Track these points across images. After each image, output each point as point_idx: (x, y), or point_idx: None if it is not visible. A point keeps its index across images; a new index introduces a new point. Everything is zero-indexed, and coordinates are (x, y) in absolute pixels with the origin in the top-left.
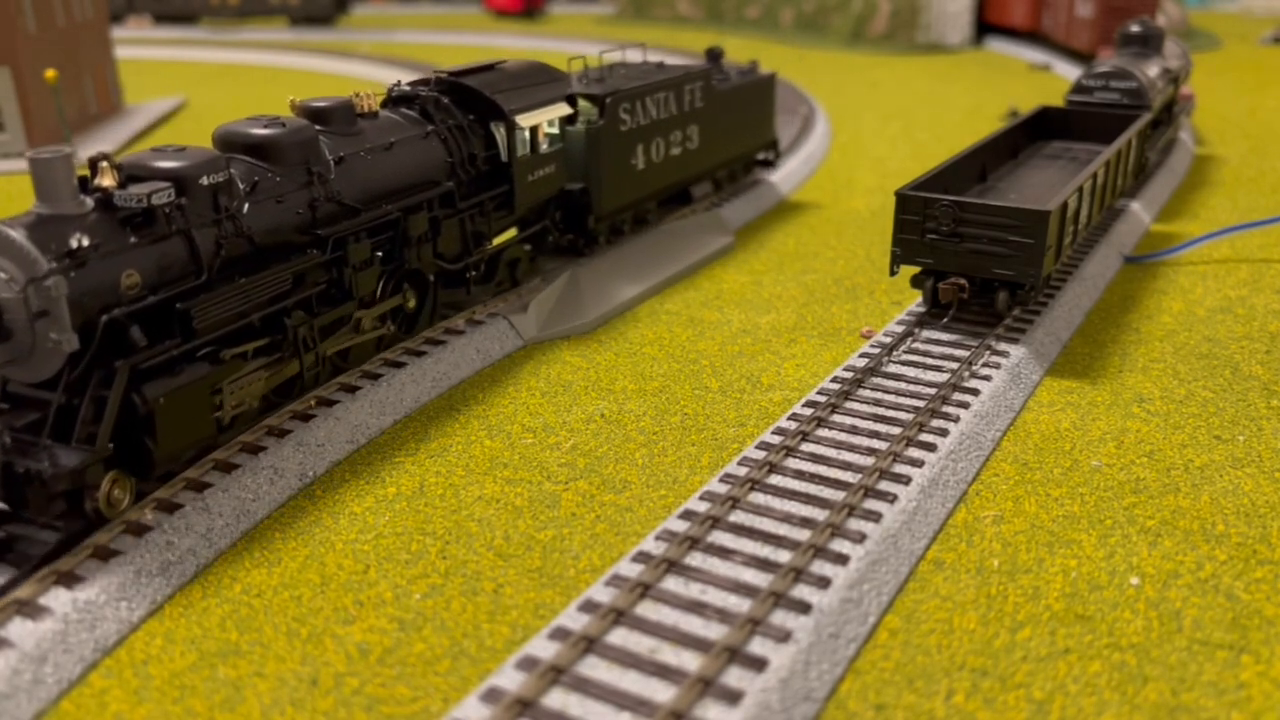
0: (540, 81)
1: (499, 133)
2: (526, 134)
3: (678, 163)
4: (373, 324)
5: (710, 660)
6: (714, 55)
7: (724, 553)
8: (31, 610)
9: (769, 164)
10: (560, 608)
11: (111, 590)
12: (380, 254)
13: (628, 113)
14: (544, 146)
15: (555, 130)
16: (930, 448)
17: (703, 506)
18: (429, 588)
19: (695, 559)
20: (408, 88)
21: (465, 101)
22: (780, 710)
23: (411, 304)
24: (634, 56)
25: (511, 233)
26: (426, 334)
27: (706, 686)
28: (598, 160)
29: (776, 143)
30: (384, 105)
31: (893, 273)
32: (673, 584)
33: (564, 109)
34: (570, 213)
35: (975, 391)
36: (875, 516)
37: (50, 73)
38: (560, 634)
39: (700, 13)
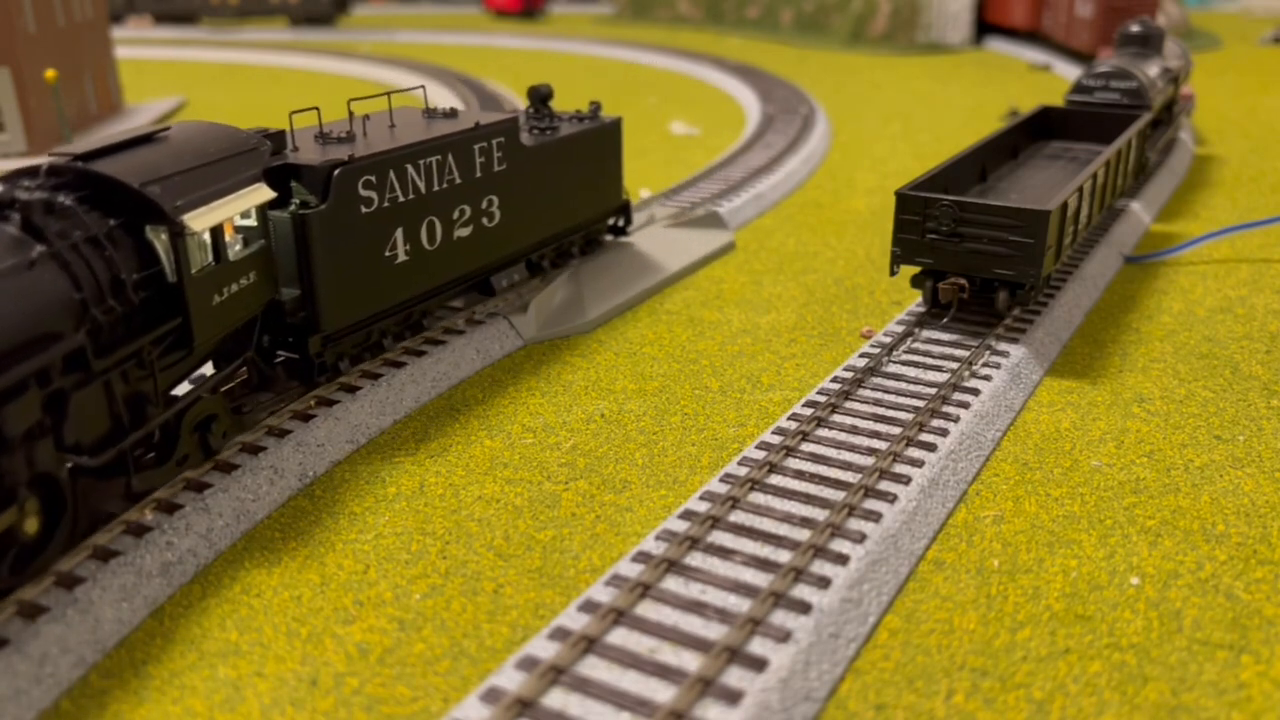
0: (223, 155)
1: (159, 241)
2: (205, 238)
3: (467, 248)
4: None
5: (710, 660)
6: (540, 96)
7: (724, 553)
8: (31, 610)
9: (619, 232)
10: (560, 608)
11: (111, 590)
12: None
13: (373, 187)
14: (236, 249)
15: (252, 222)
16: (930, 448)
17: (703, 506)
18: (429, 588)
19: (695, 559)
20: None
21: (102, 198)
22: (780, 710)
23: (32, 525)
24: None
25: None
26: (426, 334)
27: (706, 686)
28: (320, 257)
29: (628, 205)
30: None
31: (893, 273)
32: (673, 584)
33: (262, 193)
34: (287, 332)
35: (975, 391)
36: (875, 516)
37: (50, 73)
38: (560, 634)
39: (700, 13)
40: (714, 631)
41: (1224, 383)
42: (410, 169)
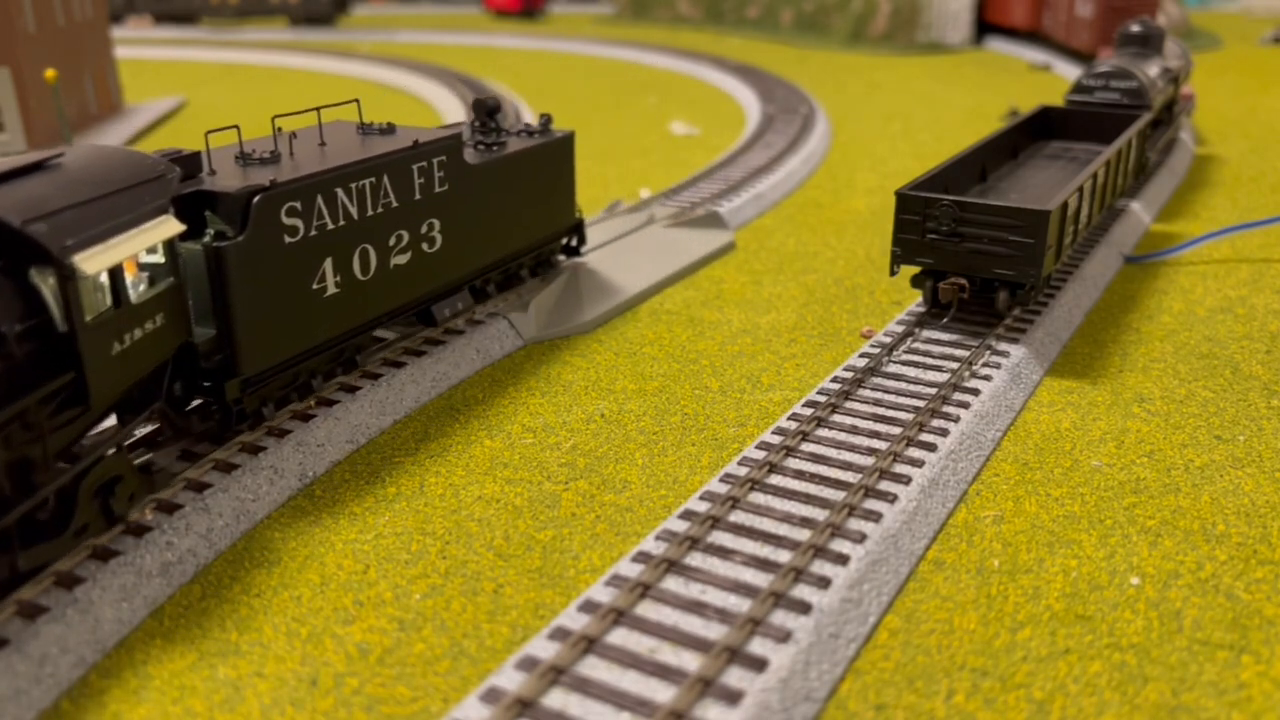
0: (124, 184)
1: (46, 286)
2: (102, 279)
3: (405, 276)
4: None
5: (710, 660)
6: (487, 109)
7: (724, 553)
8: (31, 610)
9: (573, 252)
10: (560, 608)
11: (111, 590)
12: None
13: (298, 215)
14: (140, 290)
15: (159, 258)
16: (930, 448)
17: (703, 506)
18: (429, 588)
19: (695, 559)
20: None
21: None
22: (780, 710)
23: None
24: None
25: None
26: (426, 334)
27: (706, 686)
28: (238, 294)
29: (581, 224)
30: None
31: (893, 273)
32: (673, 584)
33: (169, 226)
34: (202, 377)
35: (975, 391)
36: (875, 516)
37: (50, 73)
38: (560, 634)
39: (700, 13)
40: (714, 631)
41: (1224, 383)
42: (341, 193)
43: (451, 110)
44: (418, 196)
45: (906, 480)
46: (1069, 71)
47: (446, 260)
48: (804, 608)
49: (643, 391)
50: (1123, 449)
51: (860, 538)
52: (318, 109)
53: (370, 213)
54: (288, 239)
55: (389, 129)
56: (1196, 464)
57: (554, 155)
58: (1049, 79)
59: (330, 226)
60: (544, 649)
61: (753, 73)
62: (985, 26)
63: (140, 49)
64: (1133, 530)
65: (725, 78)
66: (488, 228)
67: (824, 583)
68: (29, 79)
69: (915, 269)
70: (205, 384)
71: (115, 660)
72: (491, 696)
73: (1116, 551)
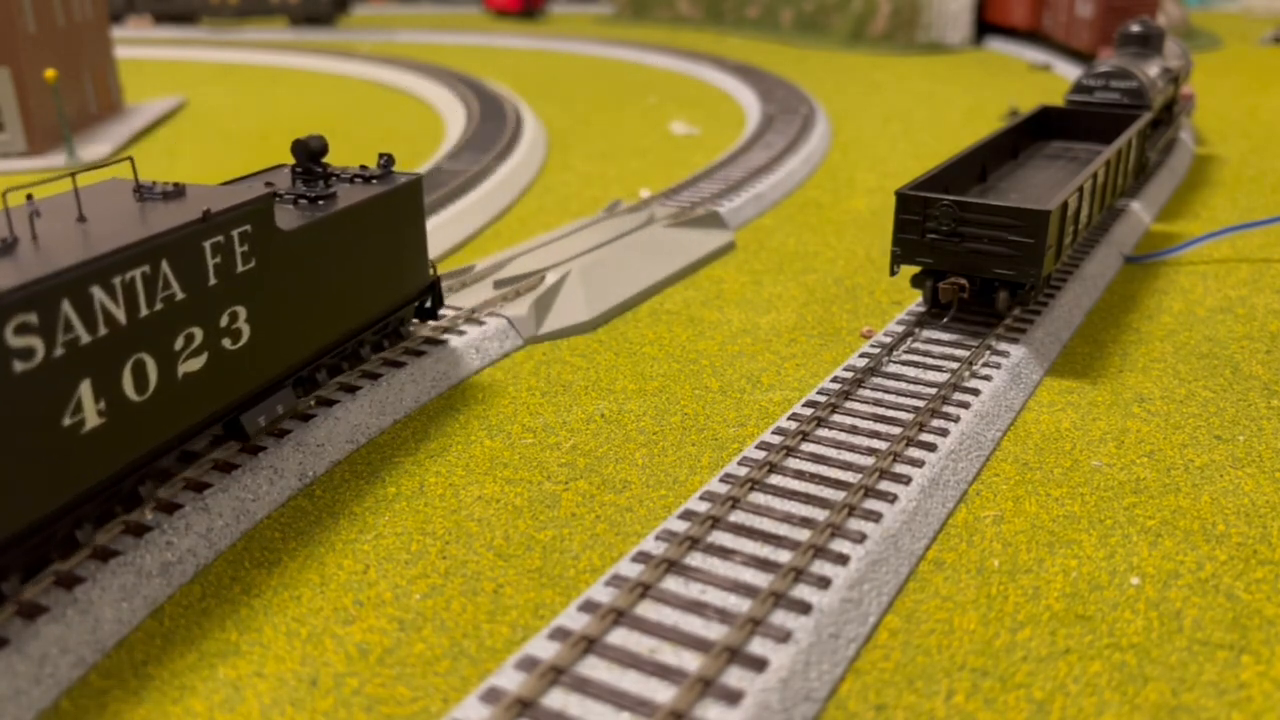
0: None
1: None
2: None
3: (200, 385)
4: None
5: (710, 660)
6: (309, 151)
7: (724, 553)
8: (31, 610)
9: (429, 315)
10: (560, 608)
11: (111, 590)
12: None
13: (34, 331)
14: None
15: None
16: (930, 448)
17: (703, 506)
18: (429, 588)
19: (695, 559)
20: None
21: None
22: (780, 710)
23: None
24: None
25: None
26: (426, 334)
27: (706, 686)
28: None
29: (437, 283)
30: None
31: (893, 273)
32: (673, 584)
33: None
34: None
35: (975, 391)
36: (875, 516)
37: (50, 73)
38: (560, 634)
39: (700, 13)
40: (714, 631)
41: (1224, 383)
42: (100, 293)
43: (451, 110)
44: (213, 282)
45: (906, 480)
46: (1069, 71)
47: (258, 356)
48: (804, 608)
49: (643, 391)
50: (1123, 449)
51: (860, 538)
52: (73, 173)
53: (145, 312)
54: (18, 365)
55: (176, 191)
56: (1196, 464)
57: (398, 205)
58: (1049, 79)
59: (85, 340)
60: (544, 649)
61: (753, 73)
62: (985, 26)
63: (140, 49)
64: (1133, 530)
65: (725, 78)
66: (314, 307)
67: (824, 583)
68: (29, 79)
69: (915, 269)
70: None
71: (115, 660)
72: (491, 696)
73: (1116, 551)
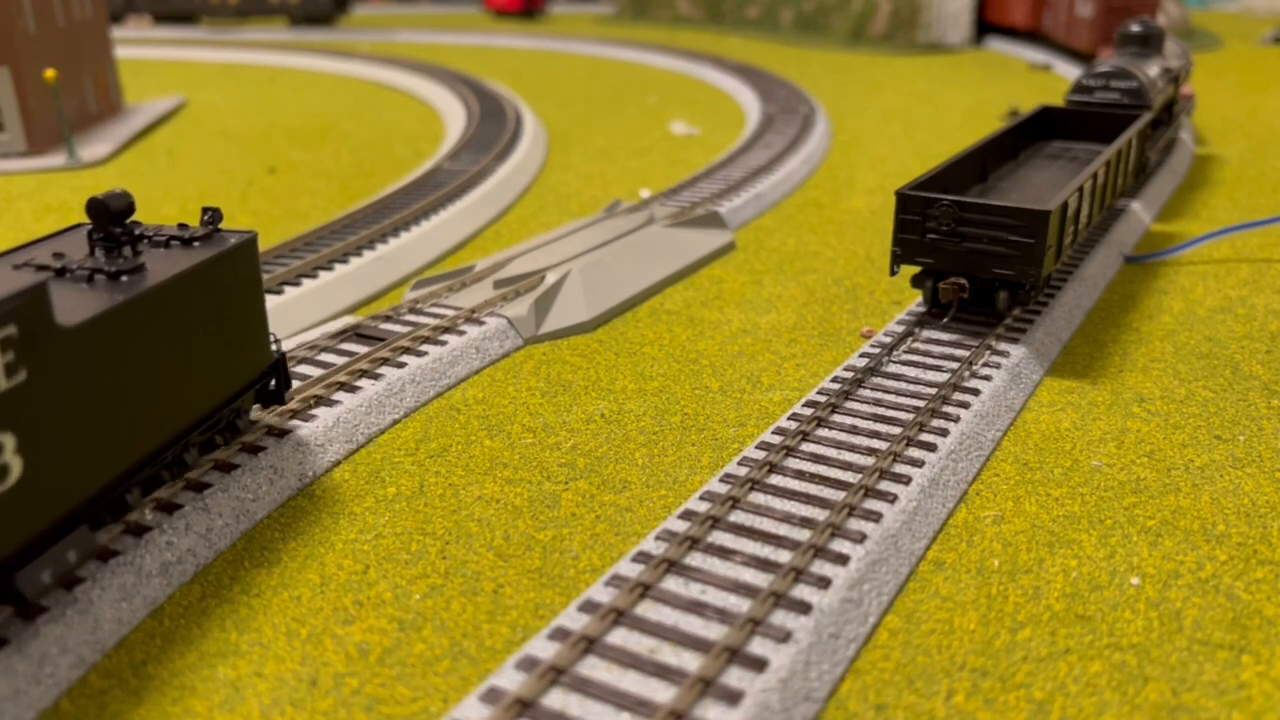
0: None
1: None
2: None
3: None
4: None
5: (710, 660)
6: (110, 213)
7: (724, 553)
8: (31, 610)
9: (274, 398)
10: (560, 608)
11: (111, 590)
12: None
13: None
14: None
15: None
16: (930, 448)
17: (703, 506)
18: (429, 588)
19: (695, 559)
20: None
21: None
22: (780, 710)
23: None
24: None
25: None
26: (426, 334)
27: (706, 686)
28: None
29: (283, 360)
30: None
31: (893, 273)
32: (673, 584)
33: None
34: None
35: (975, 391)
36: (875, 516)
37: (50, 73)
38: (560, 634)
39: (700, 13)
40: (714, 631)
41: (1224, 383)
42: None
43: (451, 110)
44: None
45: (906, 480)
46: (1069, 71)
47: (35, 496)
48: (804, 608)
49: (643, 391)
50: (1123, 449)
51: (860, 538)
52: None
53: None
54: None
55: None
56: (1197, 464)
57: (228, 272)
58: (1049, 79)
59: None
60: (544, 649)
61: (753, 73)
62: (985, 26)
63: (140, 49)
64: (1133, 530)
65: (725, 78)
66: (116, 418)
67: (824, 583)
68: (29, 79)
69: (915, 269)
70: None
71: (115, 660)
72: (491, 696)
73: (1116, 551)
